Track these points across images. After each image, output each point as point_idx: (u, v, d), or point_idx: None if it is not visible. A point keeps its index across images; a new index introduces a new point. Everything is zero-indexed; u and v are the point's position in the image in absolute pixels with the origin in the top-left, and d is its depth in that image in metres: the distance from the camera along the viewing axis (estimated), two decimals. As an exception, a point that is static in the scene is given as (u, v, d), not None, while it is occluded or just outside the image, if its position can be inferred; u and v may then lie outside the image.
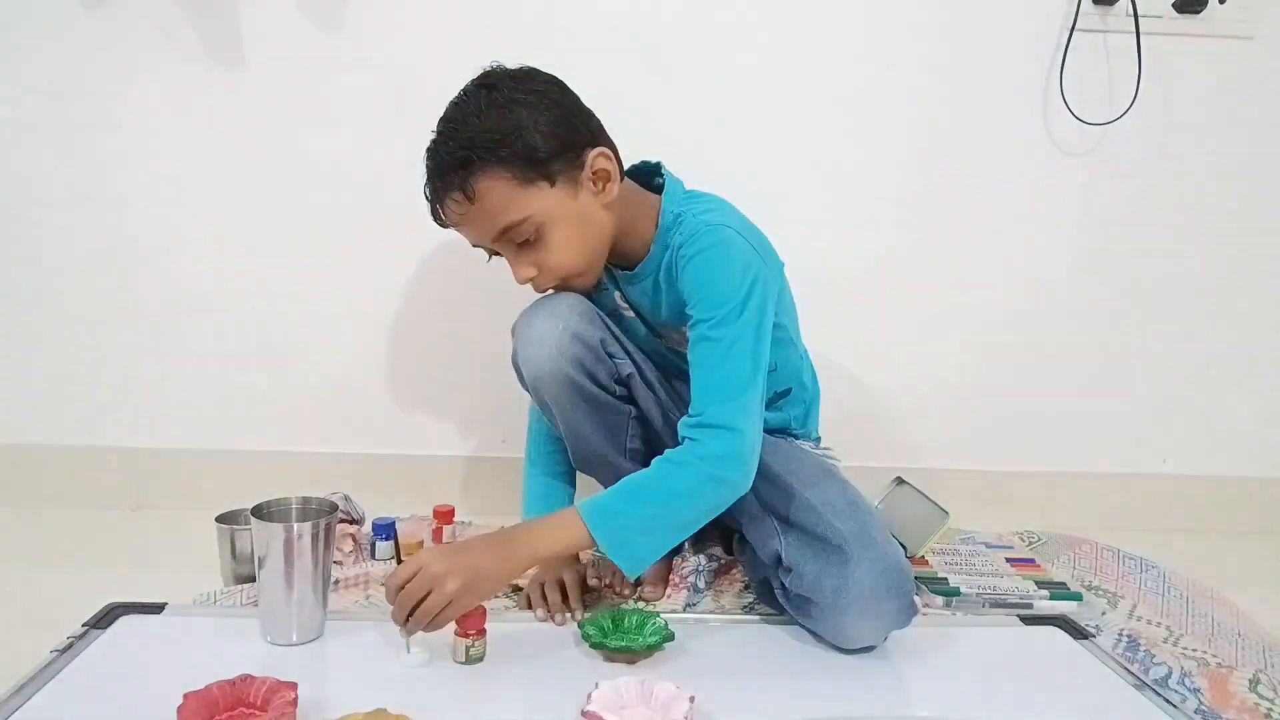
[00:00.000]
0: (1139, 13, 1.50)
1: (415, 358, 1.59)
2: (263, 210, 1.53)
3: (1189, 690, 1.03)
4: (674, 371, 1.23)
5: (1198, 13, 1.52)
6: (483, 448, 1.60)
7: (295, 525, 1.00)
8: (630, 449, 1.21)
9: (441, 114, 1.07)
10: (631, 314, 1.22)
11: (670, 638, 1.03)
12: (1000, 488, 1.65)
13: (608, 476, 1.21)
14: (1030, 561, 1.40)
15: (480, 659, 1.00)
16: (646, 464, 1.06)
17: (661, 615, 1.07)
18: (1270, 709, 1.01)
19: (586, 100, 1.10)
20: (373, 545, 1.33)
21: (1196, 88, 1.57)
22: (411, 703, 0.85)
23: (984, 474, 1.65)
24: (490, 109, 1.03)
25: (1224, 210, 1.61)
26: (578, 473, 1.30)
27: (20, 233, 1.52)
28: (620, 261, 1.17)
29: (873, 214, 1.58)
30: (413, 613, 0.95)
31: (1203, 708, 1.00)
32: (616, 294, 1.21)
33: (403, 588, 0.95)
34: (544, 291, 1.15)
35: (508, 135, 1.02)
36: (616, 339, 1.17)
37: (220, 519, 1.24)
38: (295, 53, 1.49)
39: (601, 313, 1.18)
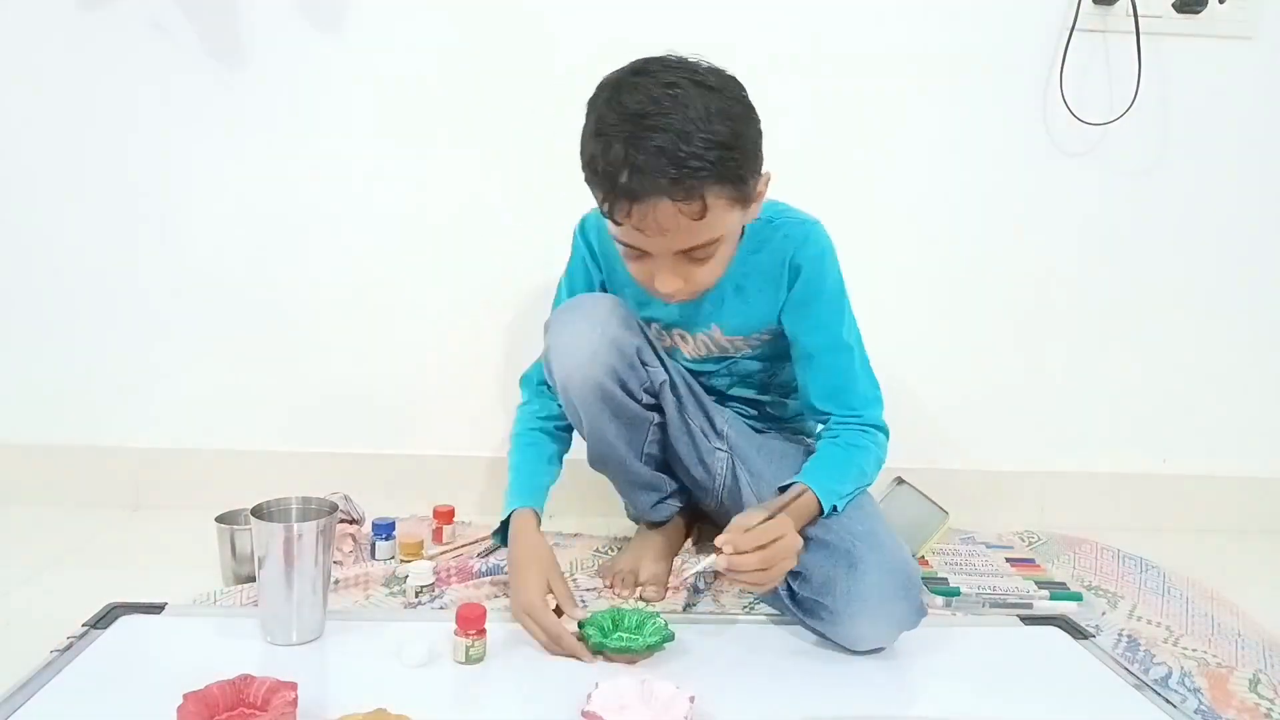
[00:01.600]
0: (1139, 13, 1.50)
1: (415, 358, 1.59)
2: (262, 210, 1.53)
3: (1189, 690, 1.03)
4: (699, 377, 1.25)
5: (1198, 13, 1.52)
6: (483, 448, 1.60)
7: (295, 525, 0.99)
8: (647, 454, 1.22)
9: (643, 98, 0.93)
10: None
11: (670, 638, 1.03)
12: (1000, 488, 1.65)
13: (618, 474, 1.25)
14: (1030, 561, 1.40)
15: (480, 659, 1.00)
16: (658, 467, 1.23)
17: (661, 615, 1.07)
18: (1270, 709, 1.01)
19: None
20: (373, 545, 1.33)
21: (1196, 88, 1.57)
22: (411, 703, 0.85)
23: (984, 474, 1.65)
24: (720, 118, 0.94)
25: (1224, 210, 1.61)
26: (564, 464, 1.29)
27: (20, 233, 1.52)
28: None
29: (871, 215, 1.58)
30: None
31: (1203, 708, 1.00)
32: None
33: (763, 547, 0.97)
34: (666, 299, 1.05)
35: (735, 150, 0.95)
36: (651, 346, 1.16)
37: (220, 519, 1.24)
38: (295, 53, 1.49)
39: (639, 318, 1.17)
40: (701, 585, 1.25)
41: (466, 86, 1.51)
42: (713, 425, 1.23)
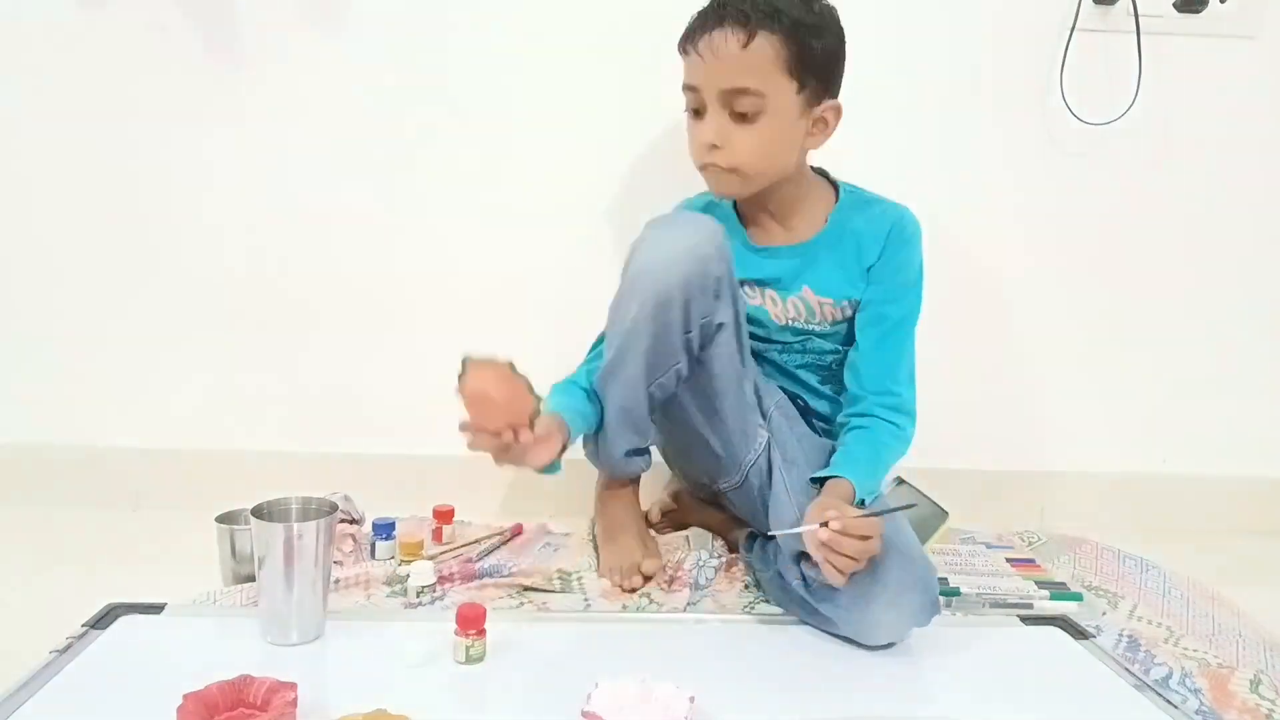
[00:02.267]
0: (1139, 13, 1.50)
1: (415, 357, 1.58)
2: (262, 210, 1.53)
3: (1190, 691, 1.03)
4: (775, 350, 1.30)
5: (1198, 12, 1.52)
6: (483, 448, 1.60)
7: (295, 525, 0.99)
8: (661, 382, 1.17)
9: None
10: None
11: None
12: (1000, 488, 1.65)
13: (620, 391, 1.18)
14: (1030, 562, 1.40)
15: (480, 659, 1.00)
16: (660, 408, 1.21)
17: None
18: (1271, 710, 1.01)
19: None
20: (373, 545, 1.33)
21: (1196, 88, 1.57)
22: (411, 703, 0.85)
23: (984, 474, 1.64)
24: (807, 3, 1.13)
25: (1224, 210, 1.61)
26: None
27: (19, 232, 1.52)
28: (778, 228, 1.26)
29: (873, 214, 1.58)
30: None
31: (1203, 708, 1.00)
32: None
33: (865, 538, 0.99)
34: (706, 165, 1.18)
35: (804, 25, 1.11)
36: (729, 284, 1.16)
37: (220, 519, 1.24)
38: (295, 53, 1.49)
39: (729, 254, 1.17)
40: (703, 581, 1.25)
41: (469, 86, 1.51)
42: (760, 401, 1.24)
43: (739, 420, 1.21)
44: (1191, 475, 1.67)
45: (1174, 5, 1.52)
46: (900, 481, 1.43)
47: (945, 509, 1.40)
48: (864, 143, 1.56)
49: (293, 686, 0.85)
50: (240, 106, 1.50)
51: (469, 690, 0.96)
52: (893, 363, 1.24)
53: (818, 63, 1.14)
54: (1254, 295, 1.64)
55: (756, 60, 1.11)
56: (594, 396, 1.22)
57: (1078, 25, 1.51)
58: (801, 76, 1.13)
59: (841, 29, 1.18)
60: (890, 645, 1.05)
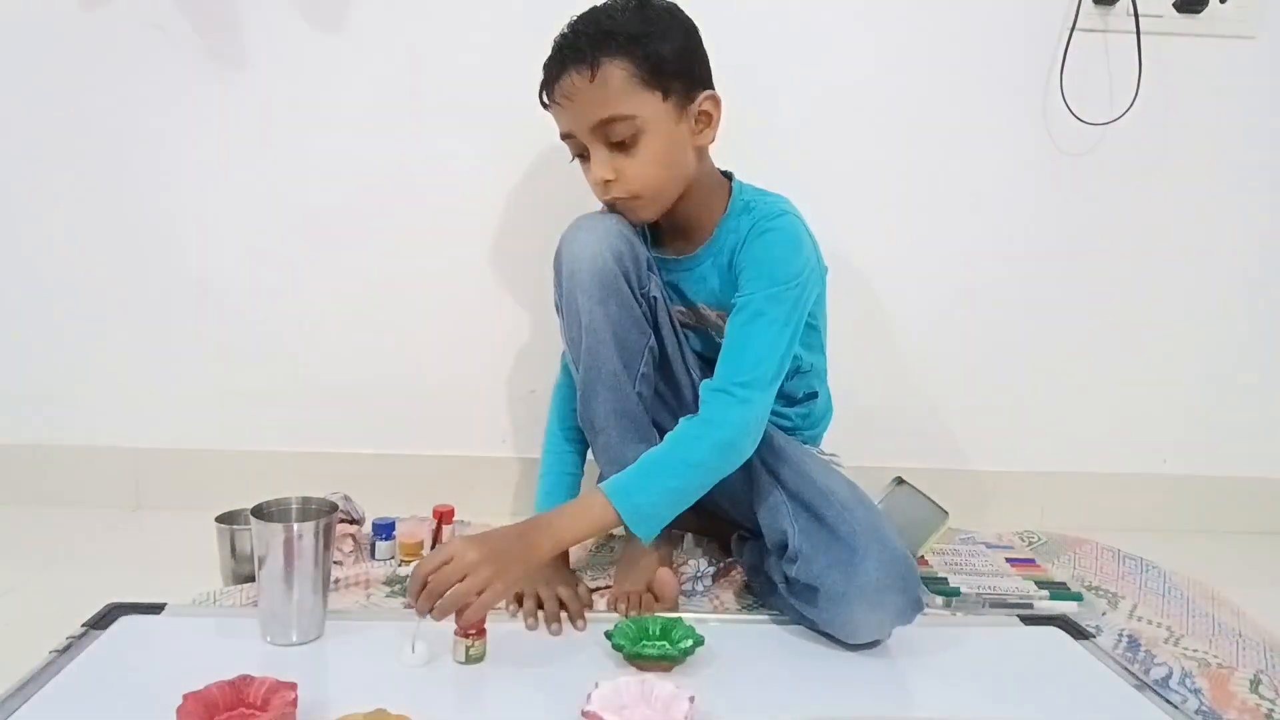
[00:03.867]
0: (1139, 12, 1.50)
1: (415, 357, 1.59)
2: (263, 210, 1.53)
3: (1190, 691, 1.03)
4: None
5: (1198, 12, 1.52)
6: (483, 448, 1.60)
7: (295, 525, 0.99)
8: (642, 373, 1.17)
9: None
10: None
11: (701, 641, 1.00)
12: (1000, 488, 1.65)
13: (609, 403, 1.17)
14: (1030, 561, 1.40)
15: (480, 659, 1.00)
16: (651, 399, 1.19)
17: (684, 618, 1.06)
18: (1271, 710, 1.01)
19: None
20: (373, 545, 1.33)
21: (1196, 88, 1.57)
22: (411, 703, 0.85)
23: (984, 474, 1.65)
24: (634, 12, 1.10)
25: (1224, 210, 1.61)
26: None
27: (19, 232, 1.53)
28: (674, 238, 1.23)
29: (872, 214, 1.58)
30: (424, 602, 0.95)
31: (1203, 708, 1.00)
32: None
33: (431, 574, 0.95)
34: (610, 201, 1.17)
35: (642, 36, 1.08)
36: (650, 261, 1.18)
37: (220, 519, 1.24)
38: (295, 53, 1.49)
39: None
40: (700, 589, 1.25)
41: (467, 86, 1.51)
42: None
43: (690, 387, 1.21)
44: (1191, 475, 1.67)
45: (1174, 5, 1.52)
46: (900, 481, 1.43)
47: (945, 509, 1.40)
48: (864, 142, 1.57)
49: (293, 686, 0.85)
50: (240, 106, 1.50)
51: (469, 690, 0.96)
52: (734, 349, 1.11)
53: (672, 65, 1.10)
54: (1254, 295, 1.64)
55: (610, 88, 1.08)
56: (566, 458, 1.28)
57: (1078, 25, 1.51)
58: (661, 84, 1.10)
59: (684, 20, 1.14)
60: (875, 644, 1.05)
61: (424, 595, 0.95)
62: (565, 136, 1.15)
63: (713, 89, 1.16)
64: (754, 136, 1.53)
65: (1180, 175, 1.59)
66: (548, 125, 1.54)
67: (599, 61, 1.07)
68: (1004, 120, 1.56)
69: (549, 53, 1.13)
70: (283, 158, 1.52)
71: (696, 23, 1.16)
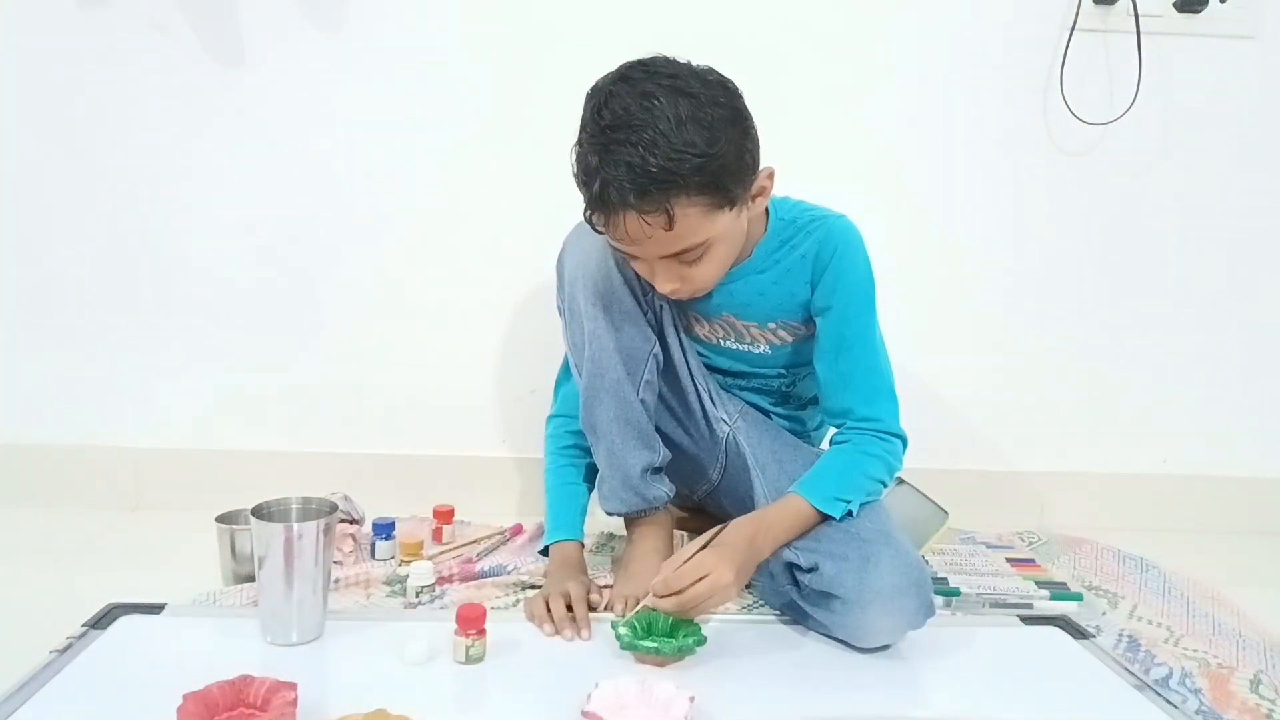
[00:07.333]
0: (1139, 12, 1.50)
1: (415, 357, 1.58)
2: (263, 210, 1.53)
3: (1190, 691, 1.03)
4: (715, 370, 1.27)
5: (1198, 12, 1.52)
6: (483, 448, 1.60)
7: (295, 525, 0.99)
8: (642, 398, 1.17)
9: (618, 108, 0.96)
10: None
11: (702, 641, 1.01)
12: (1000, 488, 1.65)
13: (611, 409, 1.17)
14: (1030, 561, 1.40)
15: (480, 659, 1.00)
16: (656, 406, 1.19)
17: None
18: (1271, 710, 1.01)
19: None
20: (373, 545, 1.33)
21: (1196, 88, 1.57)
22: (411, 703, 0.85)
23: (984, 474, 1.65)
24: (691, 124, 0.95)
25: (1224, 210, 1.61)
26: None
27: (20, 233, 1.52)
28: None
29: (872, 214, 1.57)
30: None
31: (1203, 708, 1.00)
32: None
33: (681, 591, 0.98)
34: (677, 298, 1.12)
35: (709, 158, 0.96)
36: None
37: (220, 519, 1.24)
38: (295, 53, 1.49)
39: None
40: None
41: (468, 86, 1.51)
42: (726, 404, 1.24)
43: (702, 412, 1.22)
44: (1191, 475, 1.67)
45: (1174, 5, 1.52)
46: (900, 481, 1.43)
47: (945, 509, 1.40)
48: (864, 143, 1.57)
49: (293, 686, 0.85)
50: (240, 106, 1.50)
51: (469, 690, 0.96)
52: (860, 385, 1.15)
53: (734, 173, 1.00)
54: (1254, 295, 1.64)
55: (686, 226, 0.99)
56: (575, 468, 1.27)
57: (1078, 25, 1.51)
58: (729, 199, 1.01)
59: (734, 102, 1.01)
60: (886, 647, 1.05)
61: (675, 604, 0.99)
62: (618, 249, 1.07)
63: (767, 166, 1.08)
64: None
65: (1180, 175, 1.59)
66: (547, 125, 1.54)
67: (672, 207, 0.96)
68: (1004, 120, 1.56)
69: (600, 173, 0.96)
70: (282, 157, 1.52)
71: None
